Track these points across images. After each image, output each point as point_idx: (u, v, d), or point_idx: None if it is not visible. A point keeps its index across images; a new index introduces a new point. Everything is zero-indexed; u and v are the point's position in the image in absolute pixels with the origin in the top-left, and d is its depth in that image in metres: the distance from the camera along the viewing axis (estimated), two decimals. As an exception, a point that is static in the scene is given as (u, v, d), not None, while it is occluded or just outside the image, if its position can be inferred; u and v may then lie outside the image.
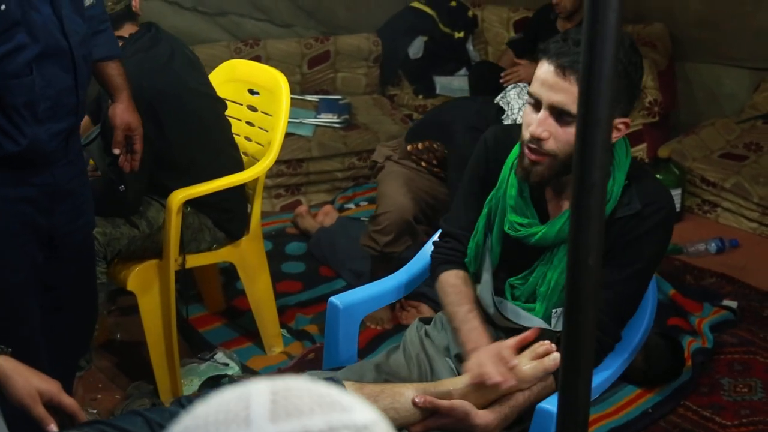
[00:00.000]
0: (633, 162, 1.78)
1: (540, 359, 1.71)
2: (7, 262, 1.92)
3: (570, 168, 1.68)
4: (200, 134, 2.64)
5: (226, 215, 2.74)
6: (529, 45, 4.37)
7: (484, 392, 1.71)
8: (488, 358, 1.70)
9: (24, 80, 1.81)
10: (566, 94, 1.63)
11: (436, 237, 2.08)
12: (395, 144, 3.28)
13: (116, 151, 2.26)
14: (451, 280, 1.94)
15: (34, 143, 1.87)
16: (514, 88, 2.83)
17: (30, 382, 1.42)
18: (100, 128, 2.55)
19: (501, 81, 3.85)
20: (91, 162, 2.76)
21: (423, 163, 3.10)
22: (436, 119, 3.19)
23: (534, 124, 1.68)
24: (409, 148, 3.13)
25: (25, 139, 1.85)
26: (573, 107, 1.60)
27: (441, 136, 3.04)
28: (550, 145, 1.68)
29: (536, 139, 1.68)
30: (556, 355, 1.70)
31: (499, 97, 2.85)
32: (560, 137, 1.67)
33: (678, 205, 3.94)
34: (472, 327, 1.82)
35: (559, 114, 1.66)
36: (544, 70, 1.67)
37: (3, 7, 1.72)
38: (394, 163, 3.14)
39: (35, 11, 1.80)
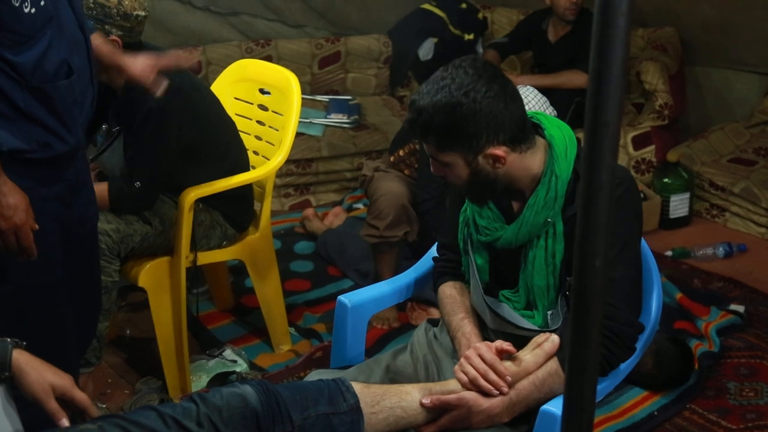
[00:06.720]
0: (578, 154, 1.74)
1: (540, 345, 1.73)
2: (47, 261, 1.90)
3: (483, 186, 1.75)
4: (217, 131, 2.68)
5: (237, 207, 2.76)
6: (515, 49, 4.43)
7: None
8: (485, 349, 1.71)
9: (71, 79, 1.82)
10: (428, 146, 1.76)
11: (434, 251, 2.10)
12: (380, 160, 3.38)
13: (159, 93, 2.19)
14: (447, 291, 1.97)
15: (77, 140, 1.89)
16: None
17: (43, 377, 1.43)
18: (110, 134, 2.58)
19: None
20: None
21: (406, 171, 3.16)
22: None
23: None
24: (392, 158, 3.22)
25: (73, 137, 1.85)
26: (435, 154, 1.75)
27: None
28: (452, 179, 1.80)
29: None
30: (554, 337, 1.73)
31: None
32: (450, 178, 1.79)
33: (686, 209, 3.95)
34: (465, 332, 1.84)
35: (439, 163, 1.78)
36: None
37: (42, 2, 1.73)
38: (382, 172, 3.20)
39: (61, 6, 1.82)
